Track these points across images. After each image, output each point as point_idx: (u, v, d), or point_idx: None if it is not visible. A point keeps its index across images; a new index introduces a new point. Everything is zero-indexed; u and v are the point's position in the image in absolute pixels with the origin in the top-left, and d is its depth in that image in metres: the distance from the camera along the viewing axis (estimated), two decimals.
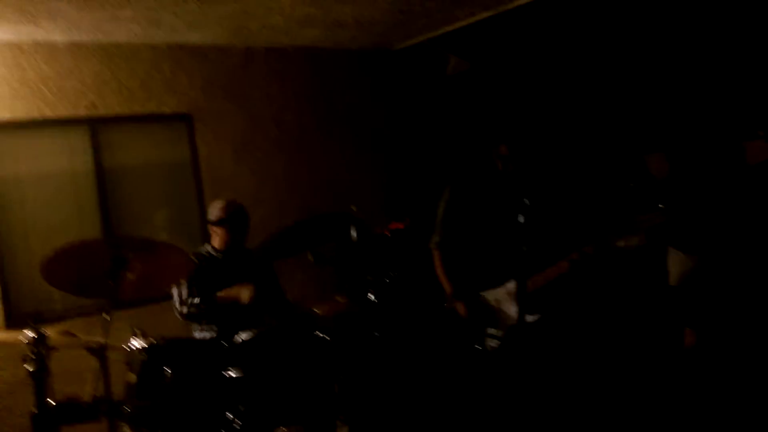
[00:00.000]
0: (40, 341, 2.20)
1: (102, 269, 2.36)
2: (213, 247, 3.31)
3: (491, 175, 3.14)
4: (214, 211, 3.23)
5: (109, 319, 2.28)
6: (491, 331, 3.06)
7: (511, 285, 2.98)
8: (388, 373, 3.65)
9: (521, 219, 2.84)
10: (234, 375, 2.67)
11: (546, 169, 3.41)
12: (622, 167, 4.54)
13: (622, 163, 4.54)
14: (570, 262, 2.81)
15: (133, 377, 2.48)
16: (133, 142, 4.39)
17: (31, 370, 2.23)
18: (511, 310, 2.97)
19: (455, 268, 3.22)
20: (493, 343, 3.04)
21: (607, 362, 3.57)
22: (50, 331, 2.43)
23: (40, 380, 2.24)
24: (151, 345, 2.51)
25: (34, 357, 2.25)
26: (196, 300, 3.00)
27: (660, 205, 2.72)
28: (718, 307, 3.59)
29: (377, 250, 4.29)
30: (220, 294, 3.06)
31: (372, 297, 2.98)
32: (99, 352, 2.27)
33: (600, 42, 4.29)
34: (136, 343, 2.54)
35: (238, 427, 2.62)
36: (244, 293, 3.02)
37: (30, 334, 2.23)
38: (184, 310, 3.05)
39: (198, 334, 3.23)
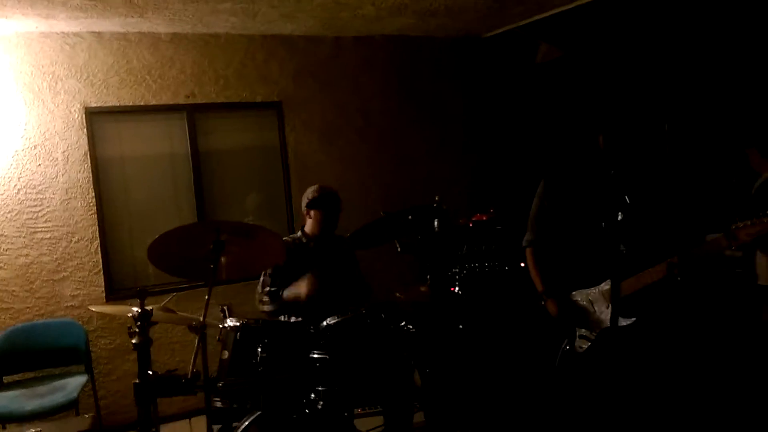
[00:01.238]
0: (145, 315, 2.34)
1: (201, 252, 2.47)
2: (305, 233, 3.39)
3: (587, 169, 3.00)
4: (309, 193, 3.31)
5: (208, 299, 2.37)
6: (582, 332, 2.95)
7: (605, 286, 2.86)
8: (470, 365, 3.63)
9: (620, 217, 2.72)
10: (318, 357, 2.75)
11: (648, 164, 3.24)
12: (724, 162, 4.27)
13: (724, 158, 4.26)
14: (668, 267, 2.66)
15: (226, 354, 2.60)
16: (226, 128, 4.58)
17: (134, 342, 2.37)
18: (605, 311, 2.85)
19: (549, 266, 3.11)
20: (583, 344, 2.93)
21: (701, 367, 3.39)
22: (152, 306, 2.59)
23: (143, 352, 2.38)
24: (243, 325, 2.61)
25: (137, 330, 2.39)
26: (266, 298, 3.11)
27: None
28: None
29: (460, 241, 4.28)
30: (286, 294, 3.15)
31: (456, 289, 2.96)
32: (198, 329, 2.38)
33: (698, 32, 4.03)
34: (231, 323, 2.66)
35: (320, 407, 2.71)
36: (303, 289, 3.07)
37: (135, 308, 2.38)
38: (260, 308, 3.18)
39: (282, 317, 3.34)
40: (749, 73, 4.10)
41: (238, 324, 2.61)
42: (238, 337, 2.59)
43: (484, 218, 4.34)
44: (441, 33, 5.01)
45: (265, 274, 3.25)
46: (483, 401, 3.52)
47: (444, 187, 4.90)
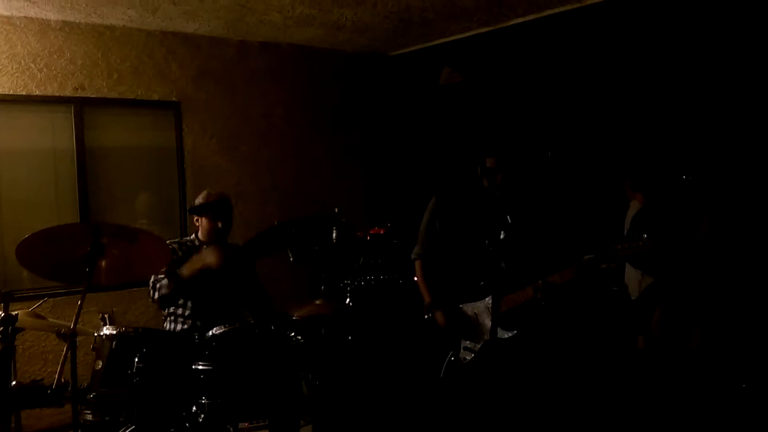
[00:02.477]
0: (9, 321, 2.17)
1: (78, 255, 2.33)
2: (198, 239, 3.29)
3: (477, 188, 3.15)
4: (197, 199, 3.22)
5: (80, 304, 2.23)
6: (467, 343, 3.07)
7: (489, 300, 3.00)
8: (359, 376, 3.66)
9: (502, 235, 2.88)
10: (202, 368, 2.66)
11: (531, 187, 3.44)
12: (602, 190, 4.63)
13: (602, 185, 4.63)
14: (533, 290, 2.84)
15: (100, 364, 2.46)
16: (118, 125, 4.35)
17: None
18: (488, 324, 2.98)
19: (436, 279, 3.22)
20: (467, 355, 3.05)
21: (576, 374, 3.64)
22: (19, 312, 2.40)
23: (5, 360, 2.20)
24: (120, 333, 2.49)
25: (0, 336, 2.21)
26: (164, 281, 2.96)
27: (644, 235, 2.76)
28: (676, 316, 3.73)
29: (356, 253, 4.32)
30: (184, 268, 3.01)
31: (348, 301, 2.99)
32: (67, 336, 2.24)
33: (582, 67, 4.38)
34: (106, 331, 2.52)
35: (201, 420, 2.61)
36: (210, 257, 2.94)
37: None
38: (155, 295, 3.03)
39: (168, 326, 3.21)
40: (628, 108, 4.48)
41: (114, 332, 2.48)
42: (113, 347, 2.46)
43: (382, 232, 4.42)
44: (349, 47, 5.07)
45: (156, 275, 3.10)
46: (370, 413, 3.56)
47: (344, 199, 4.95)
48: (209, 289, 3.10)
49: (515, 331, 2.89)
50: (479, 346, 2.98)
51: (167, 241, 3.23)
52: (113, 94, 4.26)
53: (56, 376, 2.14)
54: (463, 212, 3.12)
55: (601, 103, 4.57)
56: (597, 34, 4.18)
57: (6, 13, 3.85)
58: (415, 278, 3.30)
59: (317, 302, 3.13)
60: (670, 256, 3.89)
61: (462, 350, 3.03)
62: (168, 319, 3.23)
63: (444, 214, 3.17)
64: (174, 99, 4.47)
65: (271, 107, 4.90)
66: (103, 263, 2.47)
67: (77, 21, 4.07)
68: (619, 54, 4.28)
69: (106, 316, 4.21)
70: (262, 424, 3.25)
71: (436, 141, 5.39)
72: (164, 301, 3.07)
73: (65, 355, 2.21)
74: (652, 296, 3.95)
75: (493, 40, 4.61)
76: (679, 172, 4.34)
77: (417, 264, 3.25)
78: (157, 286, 3.02)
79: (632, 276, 4.19)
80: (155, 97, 4.40)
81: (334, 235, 4.31)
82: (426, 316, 3.15)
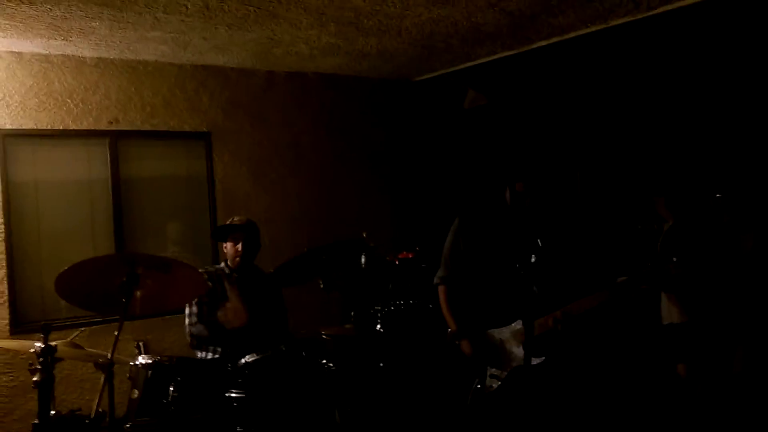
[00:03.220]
0: (48, 351, 2.22)
1: (114, 285, 2.38)
2: (228, 266, 3.35)
3: (502, 211, 3.12)
4: (225, 224, 3.29)
5: (117, 335, 2.27)
6: (493, 371, 3.02)
7: (516, 325, 2.95)
8: (389, 402, 3.63)
9: (533, 259, 2.85)
10: (236, 396, 2.68)
11: (560, 210, 3.41)
12: (633, 210, 4.56)
13: (633, 205, 4.55)
14: (553, 321, 2.80)
15: (136, 393, 2.49)
16: (151, 156, 4.47)
17: (36, 379, 2.23)
18: (516, 350, 2.93)
19: (462, 305, 3.17)
20: (494, 383, 3.00)
21: (610, 403, 3.54)
22: (58, 342, 2.45)
23: (45, 390, 2.25)
24: (156, 362, 2.52)
25: (40, 367, 2.26)
26: (201, 326, 3.04)
27: (674, 258, 2.70)
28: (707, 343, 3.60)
29: (386, 278, 4.32)
30: (218, 311, 3.08)
31: (379, 327, 2.98)
32: (105, 366, 2.27)
33: (610, 87, 4.35)
34: (142, 360, 2.55)
35: None
36: (236, 321, 3.05)
37: (38, 344, 2.25)
38: (192, 341, 3.09)
39: (200, 354, 3.24)
40: (658, 125, 4.43)
41: (150, 361, 2.52)
42: (149, 376, 2.50)
43: (410, 256, 4.41)
44: (373, 74, 5.14)
45: (191, 305, 3.16)
46: None
47: (371, 224, 4.95)
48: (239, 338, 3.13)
49: (543, 358, 2.84)
50: (506, 373, 2.93)
51: (200, 270, 3.30)
52: (146, 127, 4.38)
53: (94, 405, 2.18)
54: (488, 235, 3.08)
55: (627, 122, 4.52)
56: (622, 54, 4.17)
57: (44, 52, 4.02)
58: (439, 304, 3.26)
59: (347, 327, 3.14)
60: (706, 278, 3.80)
61: (488, 378, 2.98)
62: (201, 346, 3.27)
63: (468, 237, 3.13)
64: (205, 129, 4.58)
65: (298, 135, 4.98)
66: (138, 293, 2.51)
67: (111, 57, 4.22)
68: (645, 73, 4.26)
69: (140, 344, 4.27)
70: None
71: (462, 164, 5.39)
72: (197, 341, 3.13)
73: (103, 385, 2.24)
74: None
75: (518, 62, 4.63)
76: (712, 190, 4.25)
77: (441, 289, 3.19)
78: (193, 332, 3.09)
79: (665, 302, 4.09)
80: (186, 128, 4.51)
81: (363, 260, 4.33)
82: (450, 343, 3.11)
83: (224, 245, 3.31)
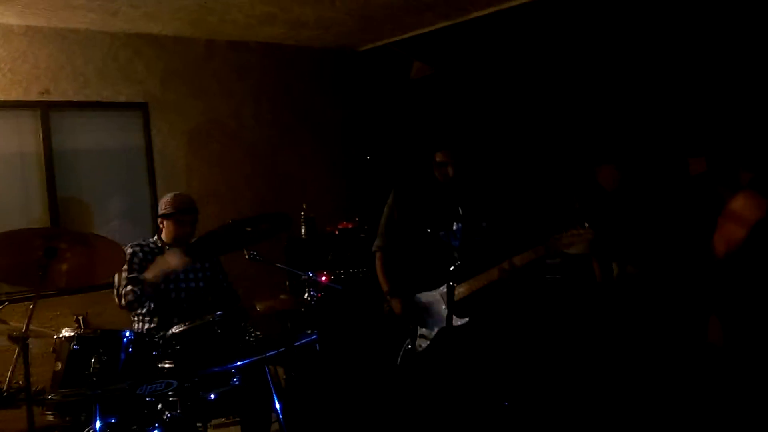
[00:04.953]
0: None
1: (32, 259, 2.37)
2: (161, 239, 3.34)
3: (433, 181, 3.21)
4: (163, 204, 3.27)
5: (33, 307, 2.27)
6: (423, 331, 3.14)
7: (444, 289, 3.06)
8: (325, 369, 3.73)
9: (455, 227, 2.95)
10: (167, 366, 2.72)
11: (487, 178, 3.49)
12: (569, 179, 4.68)
13: (569, 174, 4.68)
14: (500, 271, 2.91)
15: (59, 366, 2.51)
16: (86, 128, 4.37)
17: None
18: (443, 312, 3.05)
19: (395, 271, 3.29)
20: (423, 343, 3.13)
21: (532, 363, 3.71)
22: None
23: None
24: (79, 335, 2.53)
25: None
26: (128, 287, 3.04)
27: (585, 224, 2.82)
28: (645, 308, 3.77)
29: (326, 248, 4.38)
30: (148, 272, 3.09)
31: (310, 295, 3.04)
32: (20, 340, 2.28)
33: (551, 54, 4.42)
34: (65, 333, 2.56)
35: (168, 418, 2.67)
36: (173, 260, 3.04)
37: None
38: (122, 302, 3.09)
39: (136, 326, 3.26)
40: (602, 95, 4.52)
41: (72, 334, 2.53)
42: (72, 348, 2.51)
43: (350, 226, 4.47)
44: (316, 44, 5.10)
45: (119, 276, 3.16)
46: (334, 402, 3.64)
47: (315, 195, 5.01)
48: (171, 289, 3.16)
49: (467, 319, 2.97)
50: (434, 333, 3.05)
51: (129, 244, 3.29)
52: (79, 97, 4.28)
53: (6, 379, 2.19)
54: (419, 205, 3.18)
55: (566, 93, 4.61)
56: (558, 23, 4.23)
57: None
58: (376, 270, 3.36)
59: (282, 297, 3.19)
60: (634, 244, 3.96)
61: (418, 338, 3.10)
62: (135, 319, 3.29)
63: (402, 208, 3.24)
64: (141, 100, 4.50)
65: (240, 105, 4.93)
66: (63, 267, 2.51)
67: (40, 25, 4.08)
68: (582, 42, 4.33)
69: (80, 318, 4.27)
70: (234, 420, 3.35)
71: (406, 135, 5.43)
72: (131, 307, 3.13)
73: (16, 358, 2.25)
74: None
75: (459, 32, 4.65)
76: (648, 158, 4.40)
77: (377, 256, 3.33)
78: (122, 292, 3.09)
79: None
80: (122, 98, 4.42)
81: (302, 230, 4.37)
82: (385, 306, 3.22)
83: (162, 221, 3.29)
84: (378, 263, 3.32)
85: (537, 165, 4.72)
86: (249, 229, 2.77)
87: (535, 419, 3.41)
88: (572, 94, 4.54)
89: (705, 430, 2.99)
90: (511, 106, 4.79)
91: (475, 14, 4.29)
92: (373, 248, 3.35)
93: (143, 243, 3.32)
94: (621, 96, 4.33)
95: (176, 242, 3.27)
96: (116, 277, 3.14)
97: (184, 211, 3.23)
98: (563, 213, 3.98)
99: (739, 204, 2.49)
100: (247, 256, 2.85)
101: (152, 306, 3.14)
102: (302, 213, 4.43)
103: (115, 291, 3.14)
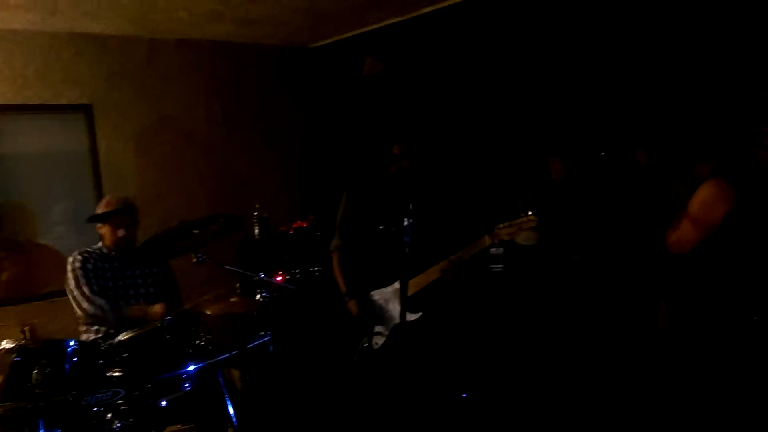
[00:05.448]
0: None
1: None
2: (106, 246, 3.26)
3: (386, 177, 3.22)
4: (98, 207, 3.19)
5: None
6: (378, 328, 3.16)
7: (397, 285, 3.08)
8: (279, 371, 3.70)
9: (405, 222, 2.97)
10: (116, 375, 2.65)
11: (438, 173, 3.53)
12: (520, 172, 4.77)
13: (521, 167, 4.76)
14: (445, 267, 2.94)
15: (0, 378, 2.42)
16: (27, 131, 4.21)
17: None
18: (397, 309, 3.07)
19: (351, 269, 3.30)
20: (379, 340, 3.14)
21: (488, 357, 3.77)
22: None
23: None
24: (20, 347, 2.45)
25: None
26: (101, 302, 2.98)
27: (530, 212, 2.88)
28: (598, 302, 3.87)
29: (280, 248, 4.35)
30: (131, 309, 3.06)
31: (261, 296, 3.01)
32: None
33: (500, 48, 4.48)
34: (6, 345, 2.47)
35: (117, 428, 2.61)
36: (156, 311, 3.04)
37: None
38: (90, 309, 3.02)
39: (84, 336, 3.18)
40: (551, 89, 4.60)
41: (13, 345, 2.44)
42: (13, 360, 2.42)
43: (305, 225, 4.45)
44: (266, 41, 5.04)
45: (77, 283, 3.07)
46: (290, 402, 3.62)
47: (270, 195, 4.95)
48: (120, 296, 3.10)
49: (420, 314, 3.00)
50: (389, 330, 3.07)
51: (77, 252, 3.20)
52: (18, 100, 4.12)
53: None
54: (372, 202, 3.20)
55: (515, 88, 4.68)
56: (505, 19, 4.28)
57: None
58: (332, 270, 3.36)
59: (233, 299, 3.15)
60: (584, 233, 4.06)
61: (374, 336, 3.12)
62: (85, 329, 3.21)
63: (356, 204, 3.25)
64: (85, 101, 4.36)
65: (190, 105, 4.83)
66: (3, 276, 2.42)
67: None
68: (531, 37, 4.40)
69: (26, 329, 4.12)
70: (189, 426, 3.30)
71: (360, 131, 5.42)
72: (96, 319, 3.06)
73: None
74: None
75: (410, 28, 4.66)
76: (598, 149, 4.50)
77: (333, 256, 3.33)
78: (97, 303, 3.00)
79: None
80: (64, 100, 4.28)
81: (256, 231, 4.33)
82: (344, 302, 3.23)
83: (100, 227, 3.21)
84: (335, 263, 3.33)
85: (488, 158, 4.79)
86: (196, 231, 2.73)
87: (493, 410, 3.47)
88: (521, 87, 4.62)
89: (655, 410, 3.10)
90: (462, 101, 4.84)
91: (425, 10, 4.31)
92: (330, 248, 3.35)
93: (90, 250, 3.24)
94: (570, 88, 4.42)
95: (118, 248, 3.20)
96: (70, 283, 3.06)
97: (120, 212, 3.15)
98: (513, 204, 4.05)
99: (709, 194, 2.37)
100: (194, 260, 2.81)
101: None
102: (255, 213, 4.38)
103: (78, 296, 3.07)
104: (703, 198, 2.37)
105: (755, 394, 2.30)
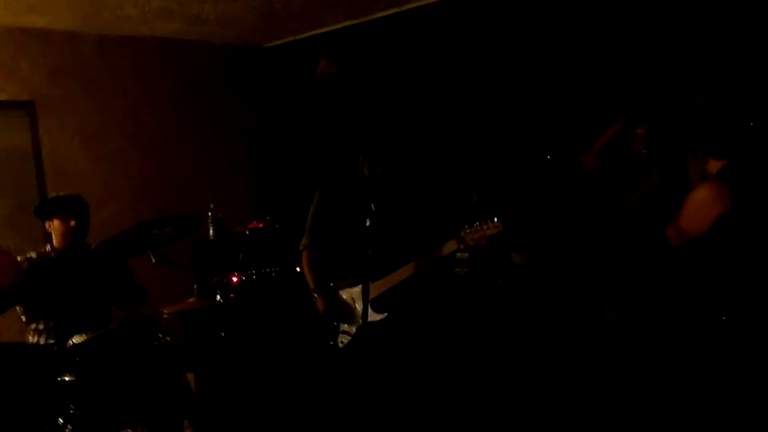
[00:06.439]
0: None
1: None
2: (53, 247, 3.15)
3: (355, 179, 3.26)
4: (52, 198, 3.09)
5: None
6: (344, 327, 3.19)
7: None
8: (240, 372, 3.68)
9: (368, 223, 3.02)
10: (67, 379, 2.58)
11: (400, 174, 3.59)
12: (474, 172, 4.89)
13: (474, 168, 4.88)
14: (416, 266, 3.01)
15: None
16: None
17: None
18: (361, 308, 3.11)
19: (319, 268, 3.32)
20: (344, 338, 3.17)
21: (448, 357, 3.86)
22: None
23: None
24: None
25: None
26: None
27: (496, 218, 2.97)
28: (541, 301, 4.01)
29: (236, 249, 4.30)
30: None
31: (219, 297, 2.99)
32: None
33: (451, 53, 4.59)
34: None
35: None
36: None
37: None
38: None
39: (32, 338, 3.07)
40: (500, 92, 4.73)
41: None
42: None
43: (261, 225, 4.42)
44: (218, 40, 4.98)
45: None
46: (251, 403, 3.60)
47: (223, 196, 4.90)
48: (66, 298, 3.00)
49: (385, 314, 3.05)
50: (354, 329, 3.11)
51: (18, 258, 3.07)
52: None
53: None
54: (342, 203, 3.24)
55: (466, 93, 4.81)
56: (454, 26, 4.40)
57: None
58: (300, 268, 3.38)
59: (190, 300, 3.11)
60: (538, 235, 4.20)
61: (340, 334, 3.15)
62: (30, 332, 3.09)
63: (327, 205, 3.29)
64: (27, 98, 4.19)
65: (137, 103, 4.71)
66: None
67: None
68: (480, 43, 4.53)
69: None
70: (141, 431, 3.23)
71: (317, 132, 5.43)
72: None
73: None
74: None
75: (364, 31, 4.71)
76: (543, 153, 4.67)
77: (304, 255, 3.36)
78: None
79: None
80: (5, 96, 4.10)
81: (210, 231, 4.27)
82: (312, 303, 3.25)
83: (49, 224, 3.10)
84: (304, 261, 3.35)
85: (442, 160, 4.90)
86: (155, 231, 2.69)
87: (458, 410, 3.54)
88: (469, 92, 4.74)
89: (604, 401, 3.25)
90: (415, 104, 4.93)
91: (379, 14, 4.37)
92: (300, 247, 3.38)
93: (32, 255, 3.12)
94: (522, 91, 4.57)
95: (69, 248, 3.10)
96: None
97: (70, 208, 3.06)
98: (465, 206, 4.16)
99: (704, 195, 2.35)
100: (153, 260, 2.76)
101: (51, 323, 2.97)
102: (210, 213, 4.32)
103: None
104: (699, 199, 2.35)
105: (723, 394, 2.37)
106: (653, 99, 4.17)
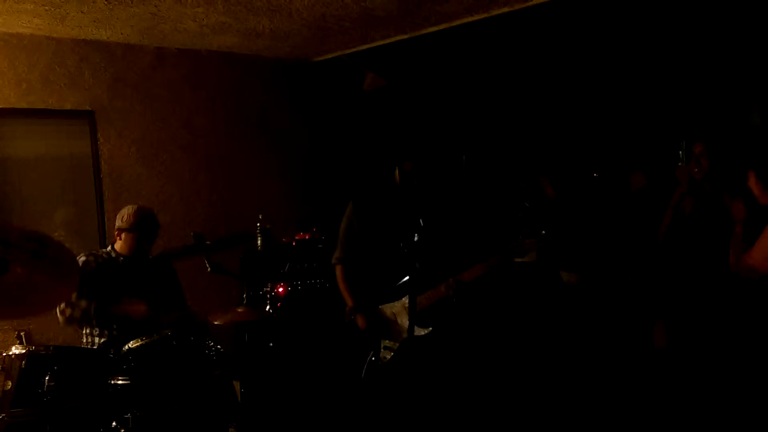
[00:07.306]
0: None
1: None
2: (115, 251, 3.26)
3: (393, 192, 3.25)
4: (125, 216, 3.19)
5: None
6: (387, 342, 3.18)
7: (406, 299, 3.11)
8: (284, 382, 3.70)
9: (416, 237, 3.01)
10: (121, 383, 2.65)
11: (444, 189, 3.58)
12: (518, 188, 4.86)
13: (518, 184, 4.85)
14: (445, 288, 2.99)
15: (9, 385, 2.40)
16: (30, 136, 4.19)
17: None
18: (406, 323, 3.10)
19: (357, 282, 3.31)
20: (387, 354, 3.16)
21: (500, 372, 3.81)
22: None
23: None
24: (30, 352, 2.44)
25: None
26: (84, 304, 2.95)
27: (543, 231, 2.94)
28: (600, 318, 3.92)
29: (282, 259, 4.36)
30: (115, 307, 3.04)
31: (268, 308, 3.03)
32: None
33: (498, 72, 4.59)
34: (15, 350, 2.46)
35: None
36: (137, 311, 3.02)
37: None
38: (68, 312, 2.99)
39: (86, 340, 3.16)
40: (541, 110, 4.72)
41: (23, 351, 2.43)
42: (23, 366, 2.41)
43: (307, 237, 4.46)
44: (270, 54, 5.08)
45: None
46: (295, 416, 3.62)
47: (271, 206, 4.97)
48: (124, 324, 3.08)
49: (430, 328, 3.02)
50: (398, 344, 3.09)
51: (82, 253, 3.19)
52: (22, 104, 4.11)
53: None
54: (379, 216, 3.23)
55: (512, 108, 4.79)
56: (504, 42, 4.39)
57: None
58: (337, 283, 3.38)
59: (239, 310, 3.15)
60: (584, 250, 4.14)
61: (382, 350, 3.14)
62: (85, 334, 3.18)
63: (361, 218, 3.27)
64: (88, 108, 4.36)
65: (192, 114, 4.84)
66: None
67: None
68: (527, 61, 4.52)
69: (22, 334, 4.08)
70: None
71: (361, 145, 5.48)
72: (72, 322, 3.03)
73: None
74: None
75: (413, 46, 4.74)
76: (590, 171, 4.61)
77: (337, 269, 3.34)
78: (78, 304, 2.98)
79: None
80: (68, 106, 4.28)
81: (259, 242, 4.34)
82: (348, 320, 3.23)
83: (120, 235, 3.21)
84: (339, 276, 3.33)
85: (486, 175, 4.88)
86: (208, 242, 2.75)
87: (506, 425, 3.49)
88: (516, 109, 4.72)
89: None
90: (463, 120, 4.93)
91: (429, 29, 4.39)
92: (333, 260, 3.36)
93: (97, 253, 3.24)
94: (571, 109, 4.53)
95: (132, 256, 3.20)
96: None
97: (147, 229, 3.17)
98: (511, 221, 4.12)
99: None
100: (209, 269, 2.81)
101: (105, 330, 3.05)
102: (258, 224, 4.39)
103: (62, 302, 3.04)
104: None
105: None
106: (706, 118, 4.08)
